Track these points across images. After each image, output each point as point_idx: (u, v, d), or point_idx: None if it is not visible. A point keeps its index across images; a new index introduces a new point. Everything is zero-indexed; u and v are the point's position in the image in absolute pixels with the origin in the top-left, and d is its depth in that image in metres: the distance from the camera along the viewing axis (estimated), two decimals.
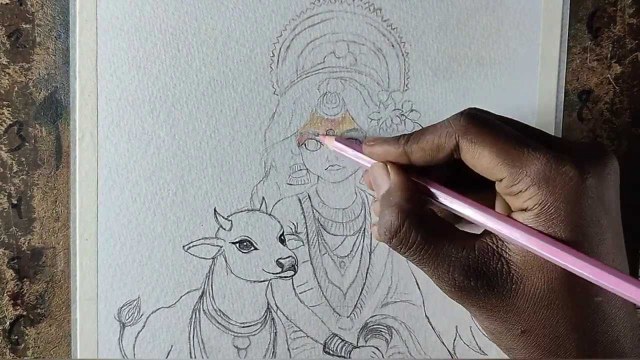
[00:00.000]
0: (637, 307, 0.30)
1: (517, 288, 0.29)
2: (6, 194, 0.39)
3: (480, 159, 0.30)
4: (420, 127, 0.40)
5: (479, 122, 0.30)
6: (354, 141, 0.39)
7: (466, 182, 0.33)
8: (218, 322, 0.40)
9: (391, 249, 0.32)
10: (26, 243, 0.39)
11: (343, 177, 0.40)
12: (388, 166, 0.34)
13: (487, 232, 0.31)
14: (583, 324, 0.29)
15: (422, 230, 0.31)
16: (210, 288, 0.40)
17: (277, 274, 0.40)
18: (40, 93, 0.38)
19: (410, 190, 0.32)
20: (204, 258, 0.40)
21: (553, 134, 0.40)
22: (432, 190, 0.32)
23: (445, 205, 0.32)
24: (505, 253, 0.30)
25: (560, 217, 0.28)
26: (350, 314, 0.41)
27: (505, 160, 0.29)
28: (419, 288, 0.41)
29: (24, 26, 0.38)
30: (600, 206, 0.29)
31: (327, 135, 0.39)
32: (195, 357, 0.40)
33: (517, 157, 0.29)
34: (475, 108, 0.32)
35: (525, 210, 0.29)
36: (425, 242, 0.31)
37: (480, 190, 0.32)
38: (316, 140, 0.40)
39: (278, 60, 0.39)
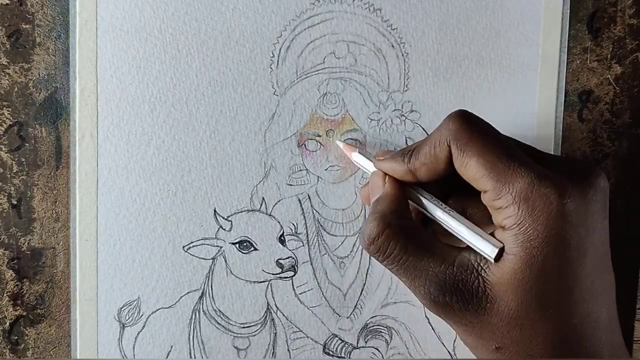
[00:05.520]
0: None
1: (491, 307, 0.29)
2: (6, 194, 0.39)
3: (467, 168, 0.30)
4: (421, 128, 0.40)
5: (469, 126, 0.30)
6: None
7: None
8: (218, 323, 0.40)
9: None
10: (26, 243, 0.39)
11: (343, 177, 0.40)
12: (386, 177, 0.34)
13: (470, 248, 0.31)
14: (557, 344, 0.29)
15: (402, 242, 0.31)
16: (210, 288, 0.40)
17: (277, 274, 0.40)
18: (40, 93, 0.38)
19: (398, 202, 0.32)
20: (203, 258, 0.40)
21: (553, 135, 0.40)
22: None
23: (432, 216, 0.32)
24: (483, 271, 0.30)
25: (538, 239, 0.28)
26: (350, 314, 0.41)
27: (490, 174, 0.29)
28: None
29: (24, 26, 0.38)
30: (583, 229, 0.29)
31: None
32: (195, 358, 0.40)
33: (502, 172, 0.29)
34: (465, 110, 0.31)
35: (504, 228, 0.29)
36: (403, 254, 0.31)
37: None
38: (316, 141, 0.40)
39: (278, 61, 0.39)
